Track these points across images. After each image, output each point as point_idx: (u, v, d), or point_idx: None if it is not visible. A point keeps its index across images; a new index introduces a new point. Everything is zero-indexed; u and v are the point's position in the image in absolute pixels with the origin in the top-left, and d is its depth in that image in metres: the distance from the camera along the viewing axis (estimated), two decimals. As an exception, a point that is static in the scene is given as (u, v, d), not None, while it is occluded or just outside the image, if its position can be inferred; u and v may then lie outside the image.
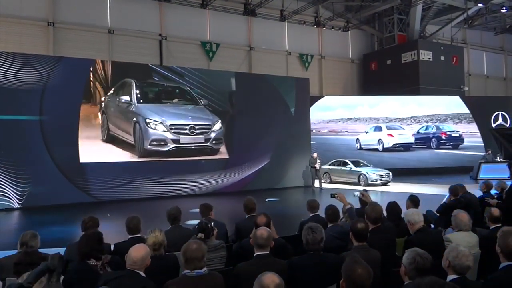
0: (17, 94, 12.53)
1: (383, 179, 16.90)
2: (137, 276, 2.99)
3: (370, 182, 16.54)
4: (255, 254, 3.40)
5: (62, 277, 2.21)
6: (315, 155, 17.20)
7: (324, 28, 23.96)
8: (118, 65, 15.41)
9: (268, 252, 3.40)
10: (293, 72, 22.37)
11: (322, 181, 17.50)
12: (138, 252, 3.03)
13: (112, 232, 6.16)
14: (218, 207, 6.21)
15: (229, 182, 16.00)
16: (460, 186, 7.13)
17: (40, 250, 3.87)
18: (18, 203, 12.42)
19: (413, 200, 5.67)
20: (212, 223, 4.24)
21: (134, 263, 2.99)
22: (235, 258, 4.12)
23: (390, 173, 17.33)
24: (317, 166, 17.06)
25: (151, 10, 19.39)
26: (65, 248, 4.36)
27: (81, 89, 13.67)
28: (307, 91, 18.72)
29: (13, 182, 12.38)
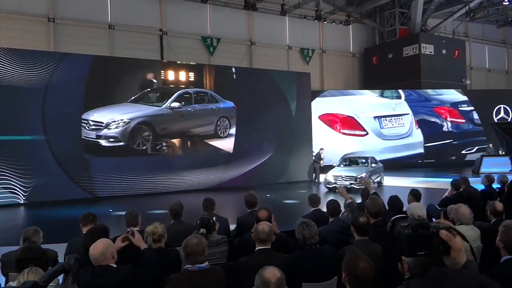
0: (20, 92, 12.51)
1: (341, 182, 14.08)
2: (109, 269, 3.00)
3: (326, 185, 14.60)
4: (256, 249, 3.41)
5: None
6: (322, 151, 16.87)
7: (325, 22, 23.85)
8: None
9: (269, 247, 3.41)
10: (294, 66, 22.32)
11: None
12: (95, 249, 3.02)
13: (114, 227, 6.17)
14: (220, 202, 6.20)
15: (232, 177, 16.01)
16: (463, 179, 7.12)
17: (42, 245, 3.89)
18: (23, 199, 12.51)
19: (415, 194, 5.67)
20: (214, 218, 4.25)
21: (95, 260, 3.00)
22: (236, 253, 4.13)
23: (359, 176, 14.08)
24: (321, 163, 16.57)
25: (151, 5, 19.32)
26: (66, 244, 4.37)
27: (82, 85, 13.60)
28: (308, 85, 18.67)
29: (19, 179, 12.44)
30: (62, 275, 1.88)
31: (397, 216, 1.26)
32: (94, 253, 3.00)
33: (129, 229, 3.66)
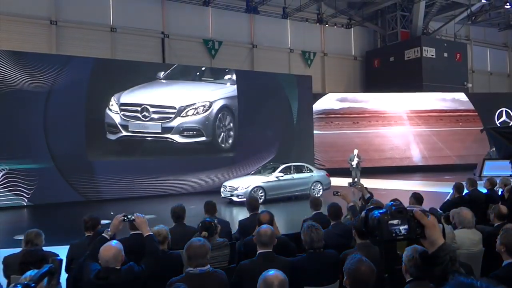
0: (23, 94, 12.54)
1: (225, 194, 12.55)
2: (114, 271, 3.01)
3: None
4: (258, 252, 3.41)
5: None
6: (355, 151, 16.05)
7: (326, 25, 23.89)
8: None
9: (271, 250, 3.40)
10: (296, 69, 22.36)
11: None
12: (108, 251, 3.01)
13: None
14: (222, 205, 6.21)
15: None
16: (471, 181, 7.08)
17: (44, 248, 3.90)
18: (26, 201, 12.58)
19: (417, 198, 5.66)
20: (215, 221, 4.26)
21: (107, 262, 2.99)
22: (238, 256, 4.13)
23: (252, 190, 12.18)
24: (353, 163, 15.77)
25: (153, 8, 19.38)
26: (68, 247, 4.38)
27: (85, 87, 13.62)
28: (310, 88, 18.73)
29: (23, 181, 12.49)
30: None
31: (371, 206, 1.31)
32: (107, 255, 3.00)
33: (129, 215, 3.54)
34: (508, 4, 23.40)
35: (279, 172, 13.02)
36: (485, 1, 23.81)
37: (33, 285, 1.60)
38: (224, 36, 20.92)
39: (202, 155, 15.50)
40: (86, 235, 4.37)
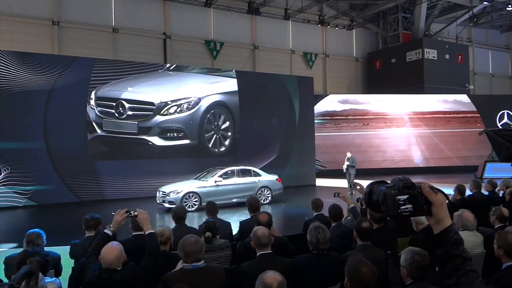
0: (27, 95, 12.55)
1: (159, 199, 11.65)
2: (115, 271, 3.00)
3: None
4: (258, 254, 3.40)
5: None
6: (348, 154, 15.50)
7: (328, 26, 23.89)
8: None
9: (271, 251, 3.40)
10: (297, 70, 22.35)
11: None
12: (110, 254, 3.00)
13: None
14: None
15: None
16: (476, 183, 7.07)
17: (45, 248, 3.91)
18: (22, 201, 12.57)
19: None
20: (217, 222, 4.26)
21: (110, 264, 2.98)
22: (238, 257, 4.13)
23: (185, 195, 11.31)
24: (344, 166, 15.21)
25: (155, 9, 19.41)
26: (69, 247, 4.38)
27: (86, 87, 13.62)
28: (311, 89, 18.73)
29: (20, 181, 12.49)
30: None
31: (375, 181, 1.27)
32: (110, 258, 2.98)
33: (131, 211, 3.55)
34: (510, 6, 23.38)
35: (219, 176, 12.04)
36: (486, 3, 23.80)
37: (16, 285, 1.62)
38: (225, 37, 20.93)
39: (202, 157, 15.48)
40: (87, 235, 4.37)
